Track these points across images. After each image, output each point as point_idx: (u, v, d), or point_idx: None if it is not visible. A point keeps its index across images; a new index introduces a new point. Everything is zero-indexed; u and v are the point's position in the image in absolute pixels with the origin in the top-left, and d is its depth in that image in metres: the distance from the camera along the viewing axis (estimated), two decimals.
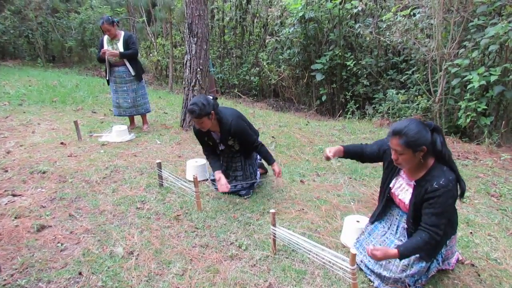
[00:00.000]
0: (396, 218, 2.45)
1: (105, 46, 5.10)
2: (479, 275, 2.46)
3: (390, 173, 2.42)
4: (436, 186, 2.04)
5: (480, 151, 5.05)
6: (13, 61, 13.33)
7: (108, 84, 5.39)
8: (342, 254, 2.22)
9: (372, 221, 2.60)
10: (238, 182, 3.55)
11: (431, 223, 2.06)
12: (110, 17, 5.02)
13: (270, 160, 3.48)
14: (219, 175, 3.36)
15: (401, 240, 2.36)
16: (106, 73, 5.31)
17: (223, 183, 3.30)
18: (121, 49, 5.06)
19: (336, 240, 2.84)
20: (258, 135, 3.65)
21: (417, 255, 2.20)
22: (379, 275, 2.31)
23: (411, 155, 2.08)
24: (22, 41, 13.72)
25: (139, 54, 5.30)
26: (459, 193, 2.14)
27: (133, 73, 5.18)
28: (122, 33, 5.14)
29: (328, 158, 2.62)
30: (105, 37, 5.14)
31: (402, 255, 2.06)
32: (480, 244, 2.84)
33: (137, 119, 5.89)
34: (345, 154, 2.68)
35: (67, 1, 14.55)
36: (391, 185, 2.40)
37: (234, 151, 3.51)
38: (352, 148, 2.68)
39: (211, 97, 3.24)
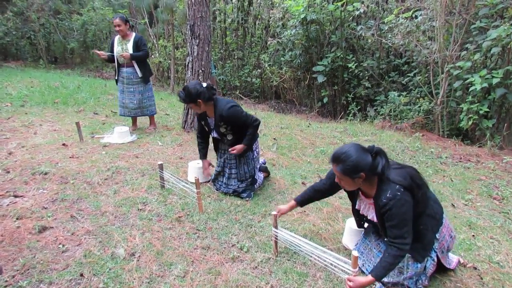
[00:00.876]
0: None
1: (115, 47, 5.15)
2: (481, 278, 2.45)
3: (352, 196, 2.46)
4: (385, 200, 2.06)
5: (482, 154, 5.04)
6: (15, 62, 13.36)
7: (117, 84, 5.44)
8: (344, 256, 2.21)
9: (365, 237, 2.59)
10: (234, 182, 3.54)
11: (394, 235, 2.08)
12: (123, 15, 5.13)
13: (245, 141, 3.41)
14: (204, 163, 3.71)
15: None
16: (115, 73, 5.39)
17: (206, 168, 3.71)
18: (131, 50, 5.09)
19: (338, 242, 2.84)
20: (259, 122, 3.52)
21: (410, 256, 2.20)
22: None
23: (350, 180, 2.12)
24: (24, 42, 13.75)
25: (148, 57, 5.32)
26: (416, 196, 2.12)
27: (140, 75, 5.21)
28: (133, 34, 5.18)
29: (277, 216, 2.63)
30: (116, 38, 5.19)
31: (377, 277, 2.07)
32: (483, 247, 2.83)
33: (140, 120, 5.90)
34: (300, 205, 2.73)
35: (70, 2, 14.60)
36: (357, 207, 2.43)
37: (227, 142, 3.51)
38: (304, 196, 2.69)
39: (205, 85, 3.28)
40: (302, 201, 2.70)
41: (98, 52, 5.32)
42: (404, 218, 2.04)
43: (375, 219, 2.26)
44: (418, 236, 2.19)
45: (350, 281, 2.06)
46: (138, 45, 5.11)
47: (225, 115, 3.26)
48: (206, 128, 3.55)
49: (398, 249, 2.04)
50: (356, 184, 2.16)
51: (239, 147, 3.41)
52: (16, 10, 13.17)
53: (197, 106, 3.27)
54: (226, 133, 3.44)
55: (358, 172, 2.06)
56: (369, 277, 2.06)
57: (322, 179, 2.65)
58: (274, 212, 2.54)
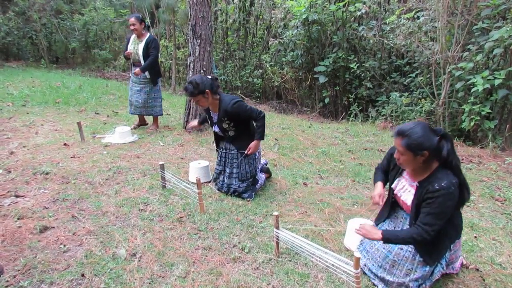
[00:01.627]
0: (401, 221, 2.43)
1: (130, 44, 5.24)
2: (483, 280, 2.44)
3: (394, 174, 2.42)
4: (437, 187, 2.02)
5: (484, 155, 5.02)
6: (17, 62, 13.37)
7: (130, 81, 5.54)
8: (345, 257, 2.21)
9: (376, 223, 2.58)
10: (235, 181, 3.52)
11: (425, 221, 2.05)
12: (139, 15, 5.20)
13: (258, 135, 3.40)
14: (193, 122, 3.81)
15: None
16: (131, 69, 5.48)
17: (194, 123, 3.78)
18: (140, 51, 5.13)
19: (339, 243, 2.83)
20: (264, 114, 3.49)
21: (421, 259, 2.18)
22: (382, 279, 2.29)
23: (412, 157, 2.07)
24: (26, 42, 13.75)
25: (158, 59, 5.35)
26: (461, 201, 2.12)
27: (148, 76, 5.22)
28: (148, 35, 5.20)
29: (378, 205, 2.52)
30: (132, 36, 5.25)
31: (385, 240, 2.08)
32: (485, 249, 2.82)
33: (149, 119, 5.92)
34: (385, 185, 2.63)
35: (71, 2, 14.60)
36: (393, 186, 2.39)
37: (229, 138, 3.51)
38: (382, 176, 2.61)
39: (210, 77, 3.30)
40: (383, 180, 2.60)
41: (127, 52, 5.26)
42: (445, 212, 2.03)
43: (408, 203, 2.24)
44: (436, 240, 2.17)
45: (361, 228, 2.11)
46: (148, 47, 5.14)
47: (229, 110, 3.26)
48: (209, 122, 3.59)
49: (419, 233, 2.03)
50: (416, 162, 2.10)
51: (254, 144, 3.39)
52: (18, 10, 13.18)
53: (205, 98, 3.25)
54: (229, 129, 3.44)
55: (422, 150, 2.02)
56: (379, 233, 2.09)
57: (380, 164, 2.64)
58: (275, 213, 2.53)
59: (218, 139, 3.66)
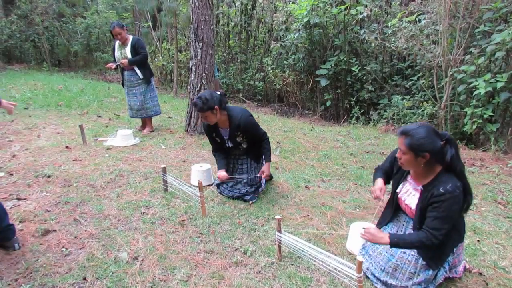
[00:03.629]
0: (403, 224, 2.43)
1: (116, 51, 5.25)
2: (487, 284, 2.43)
3: (398, 178, 2.41)
4: (443, 190, 2.02)
5: (486, 158, 5.01)
6: (19, 65, 13.41)
7: (123, 87, 5.55)
8: (348, 261, 2.20)
9: (379, 227, 2.57)
10: (244, 187, 3.53)
11: (432, 226, 2.05)
12: (119, 22, 5.15)
13: (267, 158, 3.47)
14: (221, 172, 3.43)
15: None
16: (121, 77, 5.50)
17: (222, 174, 3.41)
18: (129, 54, 5.13)
19: (342, 247, 2.82)
20: (268, 136, 3.64)
21: (424, 263, 2.17)
22: (385, 283, 2.28)
23: (413, 158, 2.08)
24: (28, 45, 13.79)
25: (147, 59, 5.36)
26: (465, 206, 2.12)
27: (141, 77, 5.25)
28: (131, 37, 5.21)
29: (381, 199, 2.52)
30: (117, 43, 5.25)
31: (392, 242, 2.07)
32: (488, 252, 2.81)
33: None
34: (386, 183, 2.62)
35: (73, 6, 14.65)
36: (398, 190, 2.39)
37: (242, 150, 3.53)
38: (384, 175, 2.60)
39: (219, 93, 3.29)
40: (383, 177, 2.58)
41: (108, 65, 5.42)
42: (451, 216, 2.02)
43: (412, 207, 2.23)
44: (440, 244, 2.17)
45: (368, 232, 2.10)
46: (135, 48, 5.15)
47: (242, 124, 3.28)
48: (218, 139, 3.51)
49: (428, 238, 2.03)
50: (417, 164, 2.11)
51: (267, 168, 3.45)
52: (20, 13, 13.23)
53: (214, 114, 3.22)
54: (242, 141, 3.46)
55: (424, 151, 2.03)
56: (386, 237, 2.08)
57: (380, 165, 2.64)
58: (277, 216, 2.52)
59: (228, 149, 3.62)
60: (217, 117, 3.26)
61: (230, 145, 3.50)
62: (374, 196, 2.48)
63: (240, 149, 3.53)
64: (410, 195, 2.29)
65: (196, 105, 3.20)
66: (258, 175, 3.51)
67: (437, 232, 2.03)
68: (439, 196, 2.03)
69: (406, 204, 2.31)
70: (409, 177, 2.33)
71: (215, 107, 3.18)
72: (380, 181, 2.54)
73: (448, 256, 2.24)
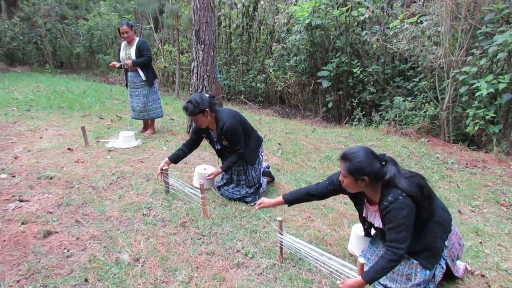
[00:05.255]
0: (380, 242, 2.45)
1: (121, 51, 5.30)
2: (489, 286, 2.42)
3: (358, 204, 2.45)
4: (386, 203, 2.07)
5: (488, 160, 5.00)
6: (22, 67, 13.47)
7: (127, 88, 5.58)
8: (349, 263, 2.19)
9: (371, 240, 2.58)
10: (243, 188, 3.54)
11: (390, 239, 2.07)
12: (129, 22, 5.27)
13: (224, 166, 3.46)
14: (165, 163, 3.52)
15: None
16: (125, 77, 5.52)
17: (162, 164, 3.50)
18: (133, 55, 5.17)
19: (343, 248, 2.82)
20: (261, 141, 3.66)
21: (419, 263, 2.18)
22: (385, 286, 2.28)
23: (353, 181, 2.14)
24: (31, 47, 13.85)
25: (151, 61, 5.39)
26: (427, 200, 2.12)
27: (144, 78, 5.27)
28: (137, 39, 5.25)
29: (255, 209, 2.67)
30: (123, 43, 5.31)
31: (368, 281, 2.04)
32: (490, 254, 2.80)
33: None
34: (287, 203, 2.71)
35: (76, 8, 14.71)
36: (364, 215, 2.43)
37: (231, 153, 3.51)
38: (295, 197, 2.67)
39: (207, 95, 3.30)
40: (292, 201, 2.69)
41: (111, 64, 5.46)
42: (403, 222, 2.03)
43: (381, 226, 2.24)
44: (427, 244, 2.17)
45: (341, 284, 2.08)
46: (140, 50, 5.18)
47: (225, 129, 3.28)
48: (208, 141, 3.58)
49: (392, 253, 2.03)
50: (358, 187, 2.16)
51: (216, 172, 3.49)
52: (23, 15, 13.30)
53: (205, 117, 3.24)
54: (229, 145, 3.45)
55: (362, 175, 2.07)
56: (359, 279, 2.04)
57: (320, 182, 2.63)
58: (279, 218, 2.52)
59: (221, 152, 3.65)
60: (208, 119, 3.28)
61: (219, 147, 3.52)
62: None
63: (229, 152, 3.52)
64: (373, 216, 2.33)
65: (187, 109, 3.20)
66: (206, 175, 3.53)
67: (396, 243, 2.03)
68: (384, 210, 2.08)
69: (376, 226, 2.34)
70: (365, 201, 2.37)
71: (206, 109, 3.20)
72: (277, 199, 2.72)
73: (441, 252, 2.24)
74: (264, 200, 2.78)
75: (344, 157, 2.14)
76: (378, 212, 2.21)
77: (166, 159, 3.58)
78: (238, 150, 3.37)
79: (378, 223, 2.29)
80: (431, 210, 2.19)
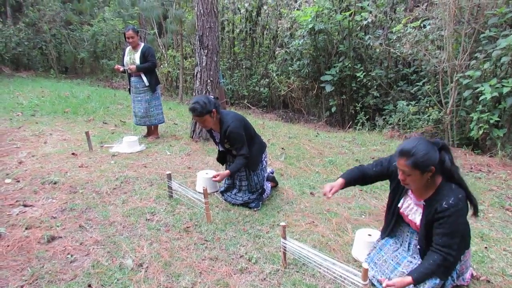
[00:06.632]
0: (407, 235, 2.40)
1: (125, 56, 5.32)
2: None
3: (398, 193, 2.37)
4: (446, 206, 2.00)
5: (493, 164, 4.96)
6: (27, 72, 13.56)
7: (130, 93, 5.58)
8: (353, 268, 2.18)
9: (382, 236, 2.56)
10: (245, 194, 3.53)
11: (443, 243, 2.02)
12: (135, 27, 5.29)
13: (231, 168, 3.38)
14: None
15: (414, 258, 2.31)
16: (128, 82, 5.53)
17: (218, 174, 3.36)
18: (137, 60, 5.19)
19: (347, 254, 2.80)
20: (264, 146, 3.64)
21: None
22: None
23: (419, 175, 2.04)
24: (36, 53, 13.97)
25: (156, 67, 5.42)
26: (472, 209, 2.10)
27: (146, 84, 5.28)
28: (142, 44, 5.28)
29: (328, 198, 2.49)
30: (128, 48, 5.33)
31: (417, 281, 2.02)
32: (496, 260, 2.77)
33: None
34: (346, 185, 2.54)
35: (81, 13, 14.81)
36: (399, 205, 2.36)
37: (235, 156, 3.50)
38: (352, 176, 2.53)
39: (212, 97, 3.32)
40: (350, 180, 2.53)
41: (115, 67, 5.51)
42: (458, 229, 2.00)
43: (416, 222, 2.20)
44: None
45: (392, 284, 2.01)
46: (145, 55, 5.19)
47: (228, 133, 3.27)
48: (213, 141, 3.59)
49: (444, 259, 2.00)
50: (423, 180, 2.06)
51: (222, 174, 3.36)
52: (28, 21, 13.42)
53: (211, 118, 3.25)
54: (231, 149, 3.45)
55: (429, 166, 1.99)
56: (408, 278, 2.01)
57: (370, 163, 2.53)
58: (282, 223, 2.51)
59: (223, 153, 3.65)
60: (213, 121, 3.28)
61: (221, 149, 3.53)
62: (323, 192, 2.47)
63: (231, 154, 3.52)
64: (412, 210, 2.26)
65: (195, 110, 3.17)
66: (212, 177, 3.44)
67: (449, 249, 2.00)
68: (443, 212, 2.00)
69: (410, 219, 2.29)
70: (409, 192, 2.30)
71: (213, 110, 3.21)
72: (339, 181, 2.50)
73: (456, 264, 2.21)
74: (331, 184, 2.51)
75: (406, 153, 2.00)
76: (422, 208, 2.15)
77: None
78: (243, 153, 3.35)
79: (414, 217, 2.21)
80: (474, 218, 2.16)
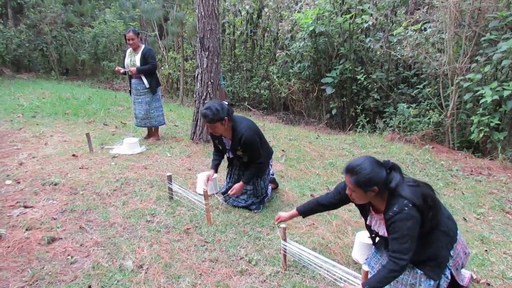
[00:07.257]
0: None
1: (126, 58, 5.33)
2: None
3: (364, 212, 2.43)
4: (391, 213, 2.05)
5: (493, 167, 4.97)
6: (28, 74, 13.59)
7: (130, 95, 5.59)
8: (353, 270, 2.18)
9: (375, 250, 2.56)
10: (249, 198, 3.51)
11: (393, 249, 2.05)
12: (135, 29, 5.30)
13: (246, 178, 3.38)
14: (210, 174, 3.55)
15: None
16: (129, 84, 5.54)
17: (210, 174, 3.52)
18: (138, 62, 5.19)
19: (347, 256, 2.80)
20: (271, 152, 3.60)
21: (423, 273, 2.15)
22: None
23: (363, 193, 2.11)
24: (36, 54, 14.00)
25: (156, 69, 5.42)
26: (431, 212, 2.10)
27: (147, 86, 5.28)
28: (143, 46, 5.30)
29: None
30: (128, 50, 5.35)
31: None
32: (496, 263, 2.77)
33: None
34: (302, 215, 2.72)
35: (82, 15, 14.86)
36: (368, 223, 2.41)
37: (243, 163, 3.48)
38: (308, 207, 2.68)
39: (226, 103, 3.22)
40: (305, 212, 2.69)
41: (116, 69, 5.53)
42: (407, 233, 2.01)
43: (386, 235, 2.23)
44: (432, 254, 2.15)
45: None
46: (145, 57, 5.20)
47: (243, 140, 3.20)
48: (220, 147, 3.50)
49: (394, 264, 2.02)
50: (367, 198, 2.14)
51: (238, 187, 3.37)
52: (29, 22, 13.45)
53: (223, 125, 3.15)
54: (243, 155, 3.38)
55: (371, 186, 2.05)
56: (359, 287, 2.03)
57: (329, 192, 2.63)
58: (283, 225, 2.52)
59: (232, 160, 3.60)
60: (224, 128, 3.19)
61: (231, 156, 3.48)
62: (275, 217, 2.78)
63: (241, 162, 3.49)
64: (378, 224, 2.31)
65: (206, 116, 3.08)
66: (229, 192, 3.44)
67: (399, 254, 2.02)
68: (389, 220, 2.06)
69: (381, 235, 2.32)
70: (371, 209, 2.35)
71: (225, 118, 3.12)
72: (291, 212, 2.73)
73: (447, 262, 2.21)
74: (281, 214, 2.76)
75: (350, 170, 2.10)
76: (383, 220, 2.20)
77: (211, 171, 3.56)
78: (258, 159, 3.32)
79: (382, 231, 2.27)
80: (436, 221, 2.17)
